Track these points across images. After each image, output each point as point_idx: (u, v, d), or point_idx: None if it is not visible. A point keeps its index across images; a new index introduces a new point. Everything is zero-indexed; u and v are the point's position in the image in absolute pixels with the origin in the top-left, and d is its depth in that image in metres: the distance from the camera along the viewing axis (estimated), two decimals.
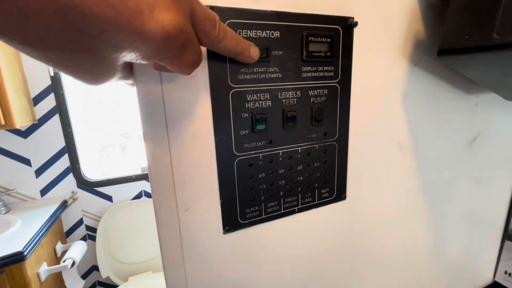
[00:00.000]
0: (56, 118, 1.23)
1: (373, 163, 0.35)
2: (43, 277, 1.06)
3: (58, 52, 0.13)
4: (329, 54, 0.28)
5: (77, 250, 1.19)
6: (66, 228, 1.36)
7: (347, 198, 0.34)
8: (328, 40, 0.27)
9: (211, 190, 0.26)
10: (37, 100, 1.20)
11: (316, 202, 0.32)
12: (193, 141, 0.24)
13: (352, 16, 0.28)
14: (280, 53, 0.25)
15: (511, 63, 0.24)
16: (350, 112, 0.31)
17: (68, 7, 0.11)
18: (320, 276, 0.36)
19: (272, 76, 0.26)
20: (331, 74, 0.29)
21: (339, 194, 0.33)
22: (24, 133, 1.21)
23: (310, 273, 0.35)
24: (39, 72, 1.17)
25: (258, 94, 0.26)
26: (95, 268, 1.45)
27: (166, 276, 0.26)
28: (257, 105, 0.26)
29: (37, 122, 1.21)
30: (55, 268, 1.10)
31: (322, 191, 0.32)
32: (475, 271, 0.56)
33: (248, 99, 0.25)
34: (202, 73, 0.23)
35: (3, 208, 1.18)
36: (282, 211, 0.30)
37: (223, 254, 0.28)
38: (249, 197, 0.28)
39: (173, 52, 0.16)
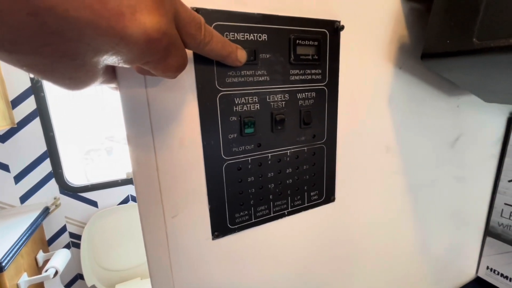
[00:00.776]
0: (37, 122, 1.18)
1: (361, 165, 0.35)
2: None
3: (32, 56, 0.12)
4: (316, 57, 0.28)
5: (60, 258, 1.14)
6: (48, 236, 1.31)
7: (336, 200, 0.34)
8: (316, 43, 0.27)
9: (199, 195, 0.25)
10: (15, 102, 1.15)
11: (306, 205, 0.32)
12: (180, 146, 0.23)
13: (338, 19, 0.28)
14: (267, 56, 0.25)
15: (490, 66, 0.25)
16: (338, 115, 0.31)
17: (42, 8, 0.11)
18: (310, 277, 0.36)
19: (260, 79, 0.25)
20: (319, 77, 0.29)
21: (328, 196, 0.33)
22: (2, 138, 1.15)
23: (300, 275, 0.35)
24: (18, 74, 1.12)
25: (246, 97, 0.25)
26: (79, 276, 1.40)
27: (152, 285, 0.25)
28: (245, 108, 0.25)
29: (16, 126, 1.16)
30: (36, 278, 1.05)
31: (312, 193, 0.32)
32: (459, 267, 0.58)
33: (236, 102, 0.25)
34: (188, 76, 0.23)
35: None
36: (272, 215, 0.30)
37: (212, 260, 0.28)
38: (238, 202, 0.27)
39: (157, 56, 0.15)
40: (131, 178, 1.34)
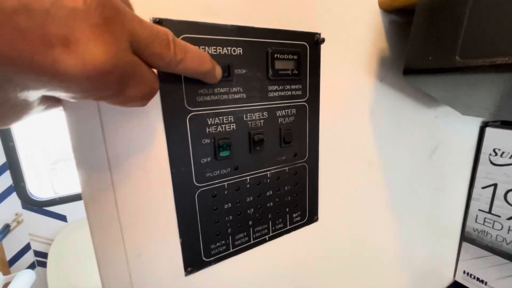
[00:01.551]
0: None
1: (343, 182, 0.34)
2: None
3: None
4: (296, 72, 0.26)
5: (22, 280, 1.04)
6: (9, 256, 1.18)
7: (319, 219, 0.32)
8: (295, 57, 0.25)
9: (168, 228, 0.22)
10: None
11: (288, 227, 0.30)
12: (143, 176, 0.20)
13: (318, 32, 0.27)
14: (243, 71, 0.23)
15: (471, 84, 0.25)
16: (320, 131, 0.30)
17: None
18: None
19: (235, 96, 0.23)
20: (299, 92, 0.27)
21: (311, 216, 0.31)
22: None
23: None
24: None
25: (221, 117, 0.23)
26: None
27: None
28: (220, 129, 0.23)
29: None
30: None
31: (294, 215, 0.30)
32: (438, 273, 0.59)
33: (209, 123, 0.22)
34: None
35: None
36: (252, 242, 0.27)
37: None
38: (214, 231, 0.25)
39: (109, 91, 0.12)
40: None
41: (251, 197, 0.26)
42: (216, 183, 0.24)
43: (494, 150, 0.50)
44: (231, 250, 0.26)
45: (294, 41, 0.25)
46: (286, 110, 0.26)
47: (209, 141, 0.23)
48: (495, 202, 0.52)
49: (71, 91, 0.11)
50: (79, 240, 1.21)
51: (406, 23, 0.34)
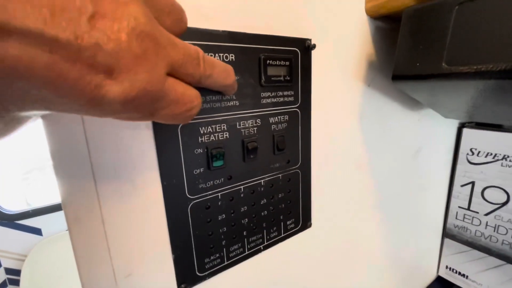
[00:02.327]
0: None
1: (335, 186, 0.34)
2: None
3: None
4: (288, 78, 0.26)
5: None
6: None
7: (312, 225, 0.32)
8: (287, 63, 0.25)
9: (160, 244, 0.21)
10: None
11: (283, 235, 0.29)
12: (133, 191, 0.19)
13: (309, 38, 0.27)
14: (236, 78, 0.22)
15: (455, 89, 0.26)
16: (312, 137, 0.30)
17: None
18: None
19: (228, 104, 0.22)
20: (291, 98, 0.27)
21: (305, 222, 0.31)
22: None
23: None
24: None
25: (213, 126, 0.22)
26: None
27: None
28: (213, 138, 0.22)
29: None
30: None
31: (288, 222, 0.30)
32: (423, 269, 0.61)
33: (202, 132, 0.21)
34: None
35: None
36: (247, 253, 0.27)
37: None
38: (208, 245, 0.24)
39: (136, 114, 0.13)
40: None
41: (245, 207, 0.26)
42: (210, 194, 0.23)
43: (471, 150, 0.53)
44: (225, 263, 0.25)
45: (286, 47, 0.25)
46: (279, 117, 0.26)
47: (201, 151, 0.22)
48: (473, 199, 0.55)
49: (98, 113, 0.11)
50: (56, 255, 1.14)
51: (391, 29, 0.35)
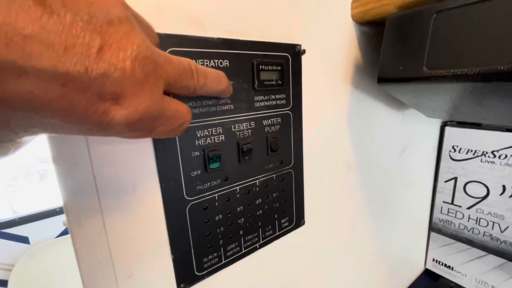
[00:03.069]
0: None
1: (327, 185, 0.36)
2: None
3: None
4: (280, 82, 0.27)
5: None
6: None
7: (305, 223, 0.33)
8: (279, 68, 0.26)
9: (159, 246, 0.22)
10: None
11: (277, 233, 0.30)
12: (132, 194, 0.19)
13: (299, 43, 0.28)
14: (231, 83, 0.23)
15: (436, 90, 0.27)
16: (303, 138, 0.31)
17: None
18: None
19: (223, 108, 0.23)
20: (283, 101, 0.28)
21: (298, 220, 0.32)
22: None
23: None
24: None
25: (210, 129, 0.23)
26: None
27: None
28: (209, 141, 0.23)
29: None
30: None
31: (282, 221, 0.31)
32: (411, 262, 0.63)
33: (199, 135, 0.22)
34: None
35: None
36: (244, 251, 0.27)
37: None
38: (206, 244, 0.24)
39: (138, 133, 0.13)
40: None
41: (241, 207, 0.26)
42: (207, 196, 0.24)
43: (453, 147, 0.56)
44: (223, 262, 0.26)
45: (277, 52, 0.26)
46: (272, 119, 0.27)
47: (198, 154, 0.22)
48: (456, 194, 0.57)
49: (103, 134, 0.12)
50: (44, 263, 1.11)
51: (376, 34, 0.36)
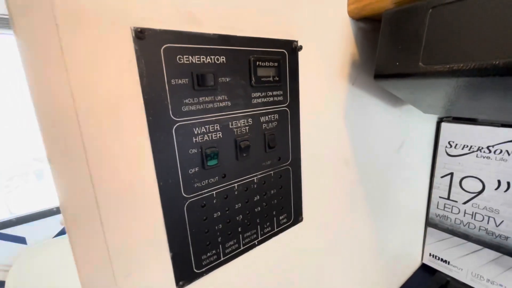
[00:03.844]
0: None
1: (324, 181, 0.36)
2: None
3: None
4: (277, 78, 0.27)
5: None
6: None
7: (303, 219, 0.33)
8: (276, 64, 0.26)
9: (158, 244, 0.22)
10: None
11: (276, 230, 0.30)
12: (130, 192, 0.19)
13: (296, 39, 0.28)
14: (227, 79, 0.23)
15: (432, 86, 0.27)
16: (301, 134, 0.31)
17: None
18: None
19: (221, 105, 0.23)
20: (281, 98, 0.28)
21: (296, 217, 0.33)
22: None
23: None
24: None
25: (207, 126, 0.23)
26: None
27: None
28: (207, 138, 0.23)
29: None
30: None
31: (280, 217, 0.31)
32: (408, 257, 0.64)
33: (196, 132, 0.22)
34: (137, 108, 0.19)
35: None
36: (242, 248, 0.28)
37: None
38: (205, 242, 0.24)
39: None
40: None
41: (240, 204, 0.26)
42: (205, 193, 0.24)
43: (449, 143, 0.56)
44: (222, 259, 0.26)
45: (274, 48, 0.26)
46: (269, 116, 0.27)
47: (196, 151, 0.22)
48: (452, 189, 0.58)
49: None
50: (42, 263, 1.10)
51: (372, 30, 0.36)
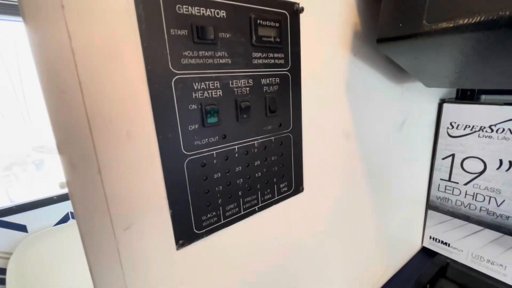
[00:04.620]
0: None
1: (325, 153, 0.35)
2: None
3: None
4: (278, 39, 0.26)
5: None
6: None
7: (304, 190, 0.33)
8: (277, 24, 0.26)
9: (157, 199, 0.21)
10: None
11: (276, 198, 0.30)
12: (128, 141, 0.19)
13: (297, 1, 0.27)
14: (228, 35, 0.23)
15: (438, 47, 0.27)
16: (302, 102, 0.30)
17: None
18: (287, 268, 0.34)
19: (220, 61, 0.23)
20: (282, 61, 0.27)
21: (297, 186, 0.32)
22: None
23: (277, 268, 0.33)
24: None
25: (207, 82, 0.22)
26: None
27: None
28: (206, 94, 0.22)
29: None
30: None
31: (281, 185, 0.30)
32: (409, 240, 0.64)
33: (195, 87, 0.22)
34: (134, 55, 0.19)
35: None
36: (243, 213, 0.27)
37: (179, 274, 0.24)
38: (205, 202, 0.24)
39: None
40: None
41: (240, 167, 0.26)
42: (205, 152, 0.23)
43: (450, 124, 0.56)
44: (222, 222, 0.26)
45: (275, 8, 0.25)
46: (270, 79, 0.27)
47: (196, 107, 0.22)
48: (454, 171, 0.58)
49: None
50: (43, 251, 1.10)
51: (375, 1, 0.36)
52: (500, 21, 0.20)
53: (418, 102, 0.51)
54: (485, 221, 0.55)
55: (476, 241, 0.57)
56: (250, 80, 0.25)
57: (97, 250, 0.19)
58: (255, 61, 0.25)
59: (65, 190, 1.14)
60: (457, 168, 0.57)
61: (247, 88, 0.25)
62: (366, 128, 0.41)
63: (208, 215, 0.25)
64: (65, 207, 1.20)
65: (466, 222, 0.58)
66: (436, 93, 0.56)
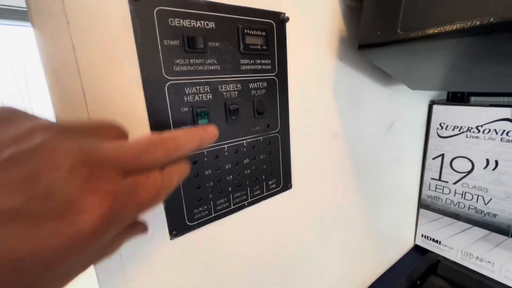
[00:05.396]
0: None
1: (313, 152, 0.37)
2: None
3: None
4: (265, 47, 0.28)
5: None
6: None
7: (292, 187, 0.35)
8: (263, 33, 0.28)
9: None
10: None
11: (265, 194, 0.32)
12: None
13: (283, 11, 0.29)
14: (217, 44, 0.25)
15: (413, 54, 0.29)
16: (289, 104, 0.32)
17: None
18: (276, 263, 0.36)
19: (210, 68, 0.25)
20: (269, 67, 0.29)
21: (286, 183, 0.34)
22: None
23: (266, 264, 0.35)
24: None
25: (197, 87, 0.24)
26: None
27: None
28: (197, 98, 0.25)
29: None
30: None
31: (270, 182, 0.33)
32: (401, 238, 0.65)
33: (187, 92, 0.24)
34: (131, 64, 0.21)
35: None
36: (232, 207, 0.29)
37: (173, 262, 0.26)
38: (196, 197, 0.26)
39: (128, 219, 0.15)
40: None
41: (230, 165, 0.28)
42: (196, 151, 0.25)
43: (440, 124, 0.58)
44: (213, 215, 0.28)
45: (262, 18, 0.28)
46: (258, 83, 0.29)
47: (187, 109, 0.24)
48: (443, 170, 0.59)
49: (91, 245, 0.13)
50: None
51: (360, 7, 0.38)
52: (469, 31, 0.22)
53: (407, 103, 0.53)
54: (473, 219, 0.57)
55: (465, 239, 0.59)
56: (239, 85, 0.27)
57: None
58: (243, 67, 0.27)
59: None
60: (446, 168, 0.59)
61: (236, 92, 0.27)
62: (354, 129, 0.43)
63: (200, 209, 0.27)
64: None
65: (456, 220, 0.60)
66: (426, 95, 0.58)
